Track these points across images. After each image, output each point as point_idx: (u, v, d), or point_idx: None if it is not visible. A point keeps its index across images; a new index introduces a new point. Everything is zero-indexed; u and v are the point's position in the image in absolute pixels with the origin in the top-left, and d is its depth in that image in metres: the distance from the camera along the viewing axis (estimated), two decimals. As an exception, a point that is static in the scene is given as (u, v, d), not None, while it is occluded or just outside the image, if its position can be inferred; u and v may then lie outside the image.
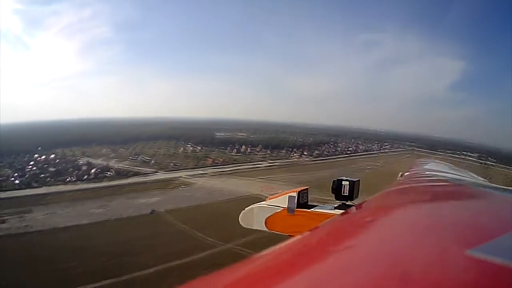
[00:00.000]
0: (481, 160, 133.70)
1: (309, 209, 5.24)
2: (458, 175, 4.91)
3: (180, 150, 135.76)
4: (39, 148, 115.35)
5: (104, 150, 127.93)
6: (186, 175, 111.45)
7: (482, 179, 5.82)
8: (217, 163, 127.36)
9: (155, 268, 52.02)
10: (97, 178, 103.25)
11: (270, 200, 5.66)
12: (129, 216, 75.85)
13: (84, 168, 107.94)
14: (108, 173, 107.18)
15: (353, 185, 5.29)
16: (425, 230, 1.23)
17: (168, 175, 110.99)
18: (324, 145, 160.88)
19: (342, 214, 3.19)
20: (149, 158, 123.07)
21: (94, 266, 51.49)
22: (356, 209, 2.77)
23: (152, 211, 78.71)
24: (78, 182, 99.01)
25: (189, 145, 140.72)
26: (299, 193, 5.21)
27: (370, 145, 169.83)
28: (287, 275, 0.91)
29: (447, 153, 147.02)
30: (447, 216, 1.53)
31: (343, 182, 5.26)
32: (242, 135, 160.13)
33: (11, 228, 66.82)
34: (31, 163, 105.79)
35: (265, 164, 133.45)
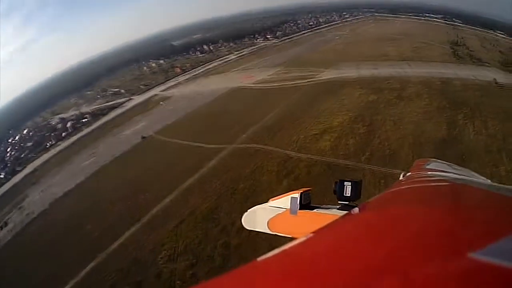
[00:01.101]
0: (447, 21, 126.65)
1: (312, 210, 4.06)
2: (460, 175, 4.07)
3: (145, 70, 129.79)
4: (10, 131, 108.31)
5: (71, 100, 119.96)
6: (160, 91, 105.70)
7: (483, 178, 4.56)
8: (185, 69, 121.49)
9: (172, 195, 46.90)
10: (75, 129, 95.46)
11: (272, 201, 4.40)
12: (123, 152, 68.45)
13: (59, 126, 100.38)
14: (84, 119, 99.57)
15: (356, 186, 3.99)
16: (427, 232, 1.24)
17: (143, 96, 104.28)
18: (284, 24, 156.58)
19: (344, 215, 2.62)
20: (117, 89, 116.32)
21: (110, 221, 46.05)
22: (359, 210, 2.34)
23: (143, 138, 71.68)
24: (59, 142, 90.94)
25: (151, 62, 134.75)
26: (301, 194, 4.13)
27: (330, 17, 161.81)
28: (291, 278, 0.93)
29: (409, 15, 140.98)
30: (449, 217, 1.51)
31: (345, 183, 3.97)
32: (199, 36, 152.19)
33: (16, 226, 58.00)
34: (8, 149, 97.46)
35: (233, 56, 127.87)
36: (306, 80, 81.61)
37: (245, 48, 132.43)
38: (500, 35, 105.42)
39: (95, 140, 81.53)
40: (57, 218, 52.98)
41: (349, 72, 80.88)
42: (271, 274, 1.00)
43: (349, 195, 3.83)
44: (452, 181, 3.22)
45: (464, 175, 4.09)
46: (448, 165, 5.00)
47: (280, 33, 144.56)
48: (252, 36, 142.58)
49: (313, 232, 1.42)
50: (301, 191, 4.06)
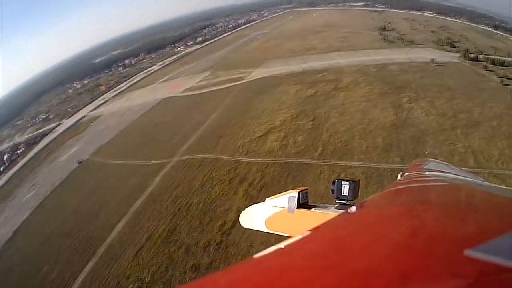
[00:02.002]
0: (369, 8, 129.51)
1: (309, 209, 3.81)
2: (458, 175, 3.86)
3: (70, 92, 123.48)
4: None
5: (4, 132, 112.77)
6: (89, 111, 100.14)
7: (482, 179, 4.52)
8: (110, 86, 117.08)
9: (123, 221, 42.39)
10: (12, 161, 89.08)
11: (270, 200, 4.05)
12: (62, 180, 62.90)
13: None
14: (19, 151, 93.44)
15: (354, 185, 3.78)
16: (424, 230, 1.22)
17: (72, 119, 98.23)
18: (203, 30, 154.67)
19: (342, 213, 2.54)
20: (46, 114, 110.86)
21: (65, 258, 40.37)
22: (356, 209, 2.15)
23: (79, 162, 66.95)
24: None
25: (75, 84, 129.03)
26: (299, 193, 3.83)
27: (248, 17, 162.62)
28: (288, 275, 0.91)
29: (328, 6, 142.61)
30: (446, 216, 1.49)
31: (343, 183, 3.76)
32: (119, 51, 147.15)
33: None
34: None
35: (156, 67, 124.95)
36: (237, 82, 79.93)
37: (167, 57, 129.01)
38: (429, 15, 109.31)
39: (33, 171, 75.15)
40: (11, 264, 45.31)
41: (279, 69, 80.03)
42: (268, 270, 0.97)
43: (347, 194, 3.69)
44: (449, 181, 3.04)
45: (462, 176, 3.87)
46: (446, 165, 4.66)
47: (200, 38, 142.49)
48: (172, 45, 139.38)
49: (310, 230, 1.40)
50: (299, 190, 3.81)
